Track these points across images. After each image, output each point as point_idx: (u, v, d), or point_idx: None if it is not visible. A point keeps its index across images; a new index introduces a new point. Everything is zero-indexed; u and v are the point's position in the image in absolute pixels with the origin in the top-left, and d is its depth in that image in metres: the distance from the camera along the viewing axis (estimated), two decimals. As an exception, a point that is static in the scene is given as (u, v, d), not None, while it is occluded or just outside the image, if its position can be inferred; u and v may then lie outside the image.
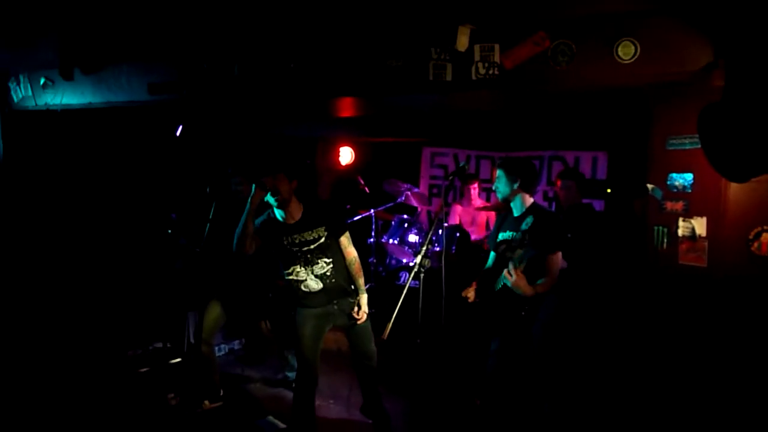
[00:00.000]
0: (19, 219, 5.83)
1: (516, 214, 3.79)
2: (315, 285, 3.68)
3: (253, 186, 3.52)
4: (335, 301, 3.74)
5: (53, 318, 5.70)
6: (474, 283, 3.93)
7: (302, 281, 3.67)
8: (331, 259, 3.69)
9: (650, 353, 3.91)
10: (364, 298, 3.75)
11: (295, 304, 3.79)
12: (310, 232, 3.63)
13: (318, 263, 3.65)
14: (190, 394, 4.42)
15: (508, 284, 3.51)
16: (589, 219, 4.77)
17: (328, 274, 3.68)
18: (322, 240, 3.65)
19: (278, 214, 3.66)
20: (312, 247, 3.63)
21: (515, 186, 3.70)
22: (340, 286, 3.73)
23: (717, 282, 3.59)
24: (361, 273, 3.81)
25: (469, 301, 3.89)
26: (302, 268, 3.66)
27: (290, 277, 3.69)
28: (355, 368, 3.96)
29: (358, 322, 3.75)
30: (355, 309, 3.73)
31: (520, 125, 6.58)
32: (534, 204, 3.76)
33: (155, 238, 5.89)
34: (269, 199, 3.56)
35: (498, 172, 3.75)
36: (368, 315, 3.86)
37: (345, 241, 3.76)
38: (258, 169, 3.57)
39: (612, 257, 4.60)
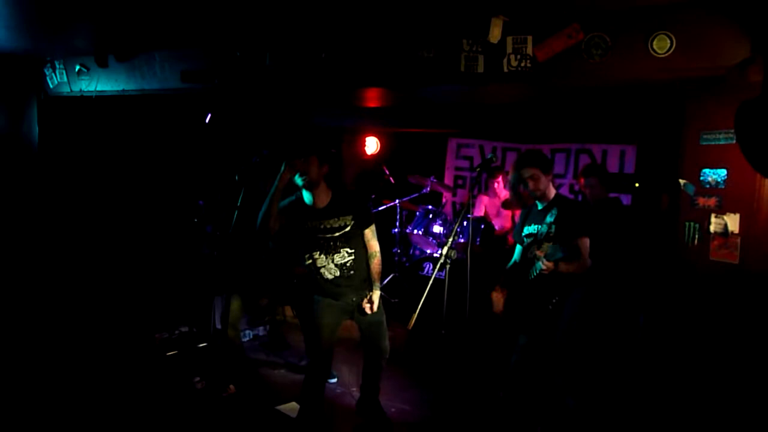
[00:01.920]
0: (55, 203, 5.95)
1: (540, 207, 3.79)
2: (332, 274, 3.67)
3: (283, 165, 3.49)
4: (353, 297, 3.72)
5: (84, 301, 5.82)
6: (499, 288, 3.90)
7: (321, 267, 3.66)
8: (353, 250, 3.67)
9: (679, 349, 3.88)
10: (377, 294, 3.70)
11: (313, 292, 3.78)
12: (336, 219, 3.61)
13: (340, 252, 3.64)
14: (216, 379, 4.50)
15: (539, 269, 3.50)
16: (616, 213, 4.73)
17: (348, 265, 3.67)
18: (348, 229, 3.63)
19: (306, 197, 3.64)
20: (336, 234, 3.62)
21: (551, 180, 3.70)
22: (359, 279, 3.72)
23: (749, 278, 3.55)
24: (380, 269, 3.76)
25: (496, 311, 3.88)
26: (322, 255, 3.65)
27: (309, 263, 3.68)
28: (364, 362, 3.96)
29: (367, 312, 3.70)
30: (365, 301, 3.68)
31: (546, 117, 6.52)
32: (557, 195, 3.76)
33: (183, 224, 5.98)
34: (297, 179, 3.53)
35: (530, 173, 3.69)
36: (383, 312, 3.85)
37: (369, 233, 3.74)
38: (290, 150, 3.53)
39: (639, 252, 4.57)
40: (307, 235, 3.65)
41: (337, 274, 3.67)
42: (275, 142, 6.47)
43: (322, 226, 3.61)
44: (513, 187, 3.85)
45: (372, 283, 3.74)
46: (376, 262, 3.75)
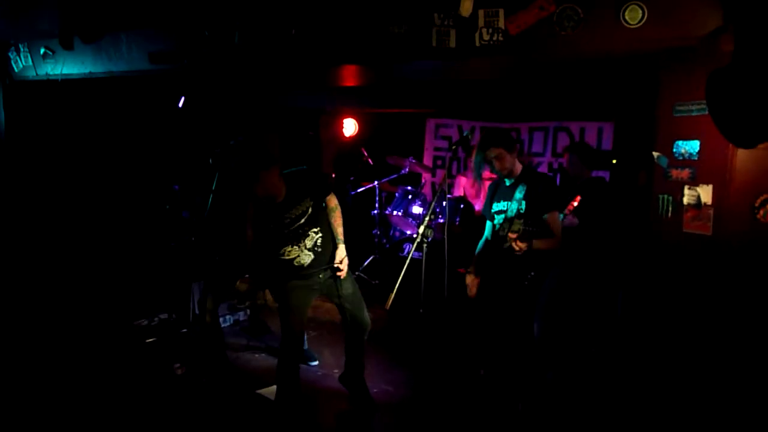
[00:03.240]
0: (24, 191, 5.83)
1: (508, 183, 3.77)
2: (307, 258, 3.68)
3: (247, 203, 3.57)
4: (321, 274, 3.74)
5: (60, 291, 5.74)
6: (474, 271, 3.89)
7: (294, 258, 3.66)
8: (319, 228, 3.69)
9: (656, 323, 3.91)
10: (341, 248, 3.73)
11: (283, 278, 3.76)
12: (297, 207, 3.61)
13: (308, 235, 3.66)
14: (196, 364, 4.47)
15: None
16: (601, 192, 4.75)
17: (318, 243, 3.69)
18: (310, 211, 3.64)
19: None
20: (302, 221, 3.62)
21: (515, 156, 3.69)
22: (328, 253, 3.74)
23: (722, 249, 3.57)
24: (341, 222, 3.78)
25: (470, 295, 3.87)
26: (294, 246, 3.65)
27: (282, 258, 3.67)
28: (346, 338, 3.98)
29: (338, 274, 3.73)
30: (337, 263, 3.70)
31: (524, 95, 6.51)
32: (524, 170, 3.74)
33: (158, 210, 5.90)
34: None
35: (495, 153, 3.66)
36: (355, 283, 3.88)
37: (330, 198, 3.77)
38: (249, 169, 3.45)
39: (617, 227, 4.59)
40: (273, 232, 3.63)
41: (312, 255, 3.68)
42: (249, 127, 6.40)
43: (286, 220, 3.60)
44: (476, 169, 3.83)
45: (335, 237, 3.76)
46: (336, 215, 3.77)
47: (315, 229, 3.67)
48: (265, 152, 3.50)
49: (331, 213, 3.77)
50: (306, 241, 3.66)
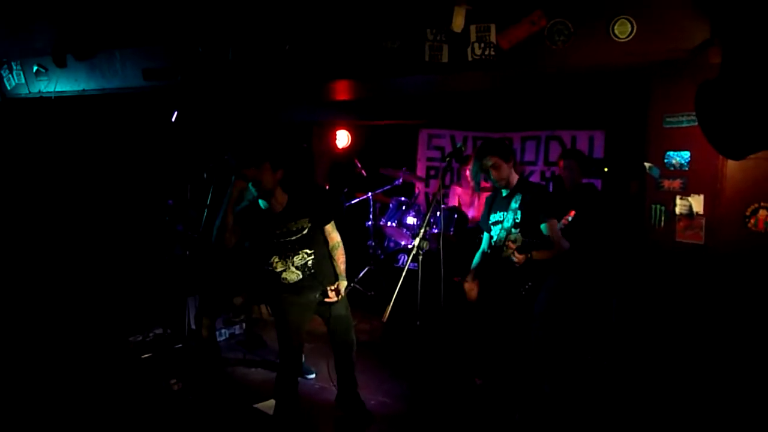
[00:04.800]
0: (16, 208, 5.81)
1: (504, 193, 3.80)
2: (294, 276, 3.62)
3: (233, 177, 3.40)
4: (316, 294, 3.70)
5: (54, 307, 5.71)
6: (472, 277, 3.91)
7: (281, 272, 3.62)
8: (312, 251, 3.63)
9: (650, 331, 3.94)
10: (343, 285, 3.71)
11: (274, 293, 3.72)
12: (294, 223, 3.56)
13: (299, 254, 3.60)
14: (192, 379, 4.45)
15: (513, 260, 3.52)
16: (593, 199, 4.79)
17: (309, 264, 3.64)
18: (305, 231, 3.58)
19: (261, 202, 3.58)
20: (293, 238, 3.57)
21: (512, 167, 3.72)
22: (321, 276, 3.68)
23: (714, 258, 3.61)
24: (344, 259, 3.75)
25: (470, 299, 3.89)
26: (281, 260, 3.60)
27: (269, 269, 3.63)
28: (335, 358, 3.96)
29: (327, 299, 3.66)
30: (330, 289, 3.65)
31: (516, 106, 6.55)
32: (520, 180, 3.78)
33: (153, 225, 5.89)
34: (251, 188, 3.45)
35: (491, 162, 3.69)
36: (347, 305, 3.84)
37: (330, 228, 3.71)
38: (241, 160, 3.43)
39: (611, 236, 4.62)
40: (263, 240, 3.59)
41: (300, 275, 3.63)
42: (239, 144, 6.41)
43: (278, 231, 3.55)
44: (474, 178, 3.87)
45: (338, 275, 3.73)
46: (339, 253, 3.74)
47: (308, 251, 3.62)
48: (257, 150, 3.47)
49: (334, 250, 3.74)
50: (294, 259, 3.60)
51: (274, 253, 3.60)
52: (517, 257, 3.44)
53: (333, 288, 3.67)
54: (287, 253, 3.59)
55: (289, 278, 3.63)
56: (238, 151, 3.59)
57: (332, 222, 3.74)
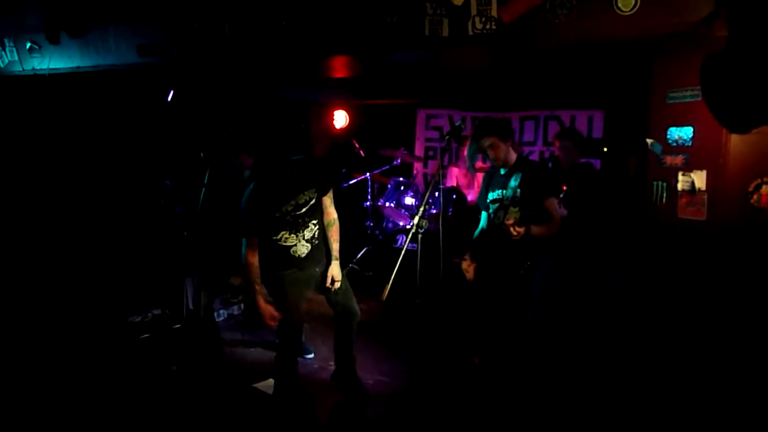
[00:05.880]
0: (11, 188, 5.76)
1: (503, 171, 3.76)
2: (304, 249, 3.60)
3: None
4: (317, 268, 3.68)
5: (52, 289, 5.68)
6: (470, 257, 3.88)
7: (291, 246, 3.58)
8: (317, 220, 3.61)
9: (650, 309, 3.93)
10: (336, 265, 3.65)
11: (276, 269, 3.68)
12: (302, 194, 3.53)
13: (308, 226, 3.58)
14: (191, 360, 4.44)
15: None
16: (589, 177, 4.75)
17: (316, 236, 3.62)
18: (313, 201, 3.56)
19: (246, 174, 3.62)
20: (303, 210, 3.54)
21: (510, 146, 3.68)
22: (322, 247, 3.68)
23: (716, 234, 3.60)
24: (338, 237, 3.69)
25: (468, 279, 3.86)
26: (292, 234, 3.56)
27: (278, 243, 3.58)
28: (335, 331, 3.92)
29: (333, 288, 3.66)
30: (329, 279, 3.63)
31: (514, 85, 6.51)
32: (518, 158, 3.74)
33: (150, 205, 5.84)
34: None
35: (489, 141, 3.65)
36: (345, 277, 3.78)
37: (327, 200, 3.66)
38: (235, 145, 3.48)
39: (610, 215, 4.60)
40: (272, 217, 3.54)
41: (309, 247, 3.61)
42: (237, 122, 6.36)
43: (289, 207, 3.51)
44: (471, 158, 3.84)
45: (330, 253, 3.68)
46: (334, 230, 3.68)
47: (314, 221, 3.60)
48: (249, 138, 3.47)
49: (329, 227, 3.68)
50: (305, 232, 3.58)
51: (285, 227, 3.55)
52: (516, 230, 3.41)
53: (329, 280, 3.63)
54: (297, 227, 3.56)
55: (299, 252, 3.60)
56: (233, 134, 3.57)
57: (330, 193, 3.68)
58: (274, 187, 3.50)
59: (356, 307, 3.86)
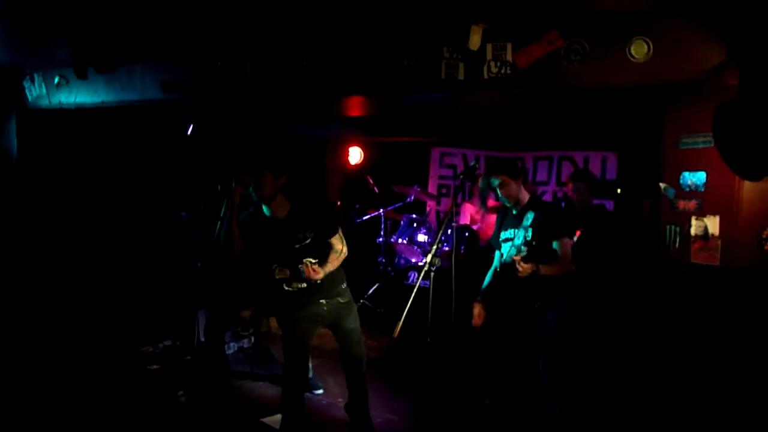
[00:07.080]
0: (34, 218, 5.86)
1: (515, 211, 3.80)
2: (299, 285, 3.62)
3: (233, 182, 3.52)
4: (323, 301, 3.69)
5: (66, 316, 5.73)
6: (479, 301, 3.89)
7: (282, 280, 3.62)
8: (317, 260, 3.59)
9: (663, 353, 3.89)
10: (326, 267, 3.59)
11: (279, 306, 3.72)
12: (296, 231, 3.59)
13: (303, 263, 3.57)
14: (200, 392, 4.44)
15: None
16: (602, 219, 4.77)
17: None
18: (308, 241, 3.60)
19: (265, 208, 3.63)
20: (297, 246, 3.59)
21: (521, 185, 3.73)
22: (331, 285, 3.68)
23: (730, 280, 3.58)
24: (337, 264, 3.68)
25: (475, 325, 3.87)
26: (284, 268, 3.62)
27: (273, 276, 3.63)
28: (345, 372, 3.94)
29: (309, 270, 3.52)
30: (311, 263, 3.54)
31: (528, 125, 6.57)
32: (531, 198, 3.79)
33: (166, 236, 5.92)
34: (251, 193, 3.53)
35: (497, 181, 3.70)
36: (357, 318, 3.83)
37: (334, 240, 3.69)
38: (241, 167, 3.54)
39: (623, 257, 4.60)
40: (266, 247, 3.62)
41: (303, 285, 3.62)
42: (243, 152, 6.48)
43: (282, 239, 3.57)
44: (482, 195, 3.89)
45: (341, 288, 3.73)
46: (333, 257, 3.66)
47: (311, 259, 3.55)
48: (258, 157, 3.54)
49: (332, 253, 3.69)
50: (299, 267, 3.57)
51: (276, 260, 3.61)
52: (522, 266, 3.42)
53: (313, 262, 3.53)
54: (291, 260, 3.59)
55: (291, 286, 3.63)
56: (240, 157, 3.65)
57: (338, 236, 3.72)
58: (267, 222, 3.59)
59: (363, 351, 3.91)
